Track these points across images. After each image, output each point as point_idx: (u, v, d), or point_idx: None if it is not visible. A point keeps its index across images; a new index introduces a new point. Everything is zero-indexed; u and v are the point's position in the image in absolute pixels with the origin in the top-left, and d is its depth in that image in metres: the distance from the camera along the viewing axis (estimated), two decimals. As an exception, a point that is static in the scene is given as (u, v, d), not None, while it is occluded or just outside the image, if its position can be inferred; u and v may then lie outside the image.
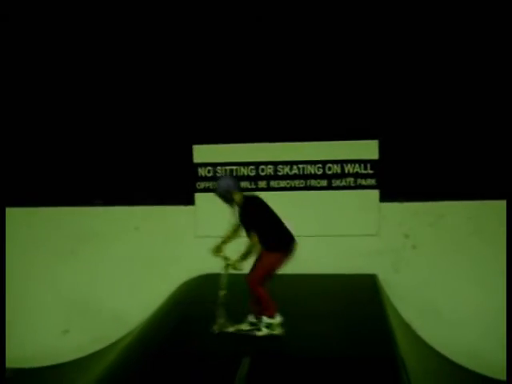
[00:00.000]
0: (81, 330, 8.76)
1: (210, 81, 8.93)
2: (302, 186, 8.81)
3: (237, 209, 5.58)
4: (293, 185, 8.84)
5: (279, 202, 5.94)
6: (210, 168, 8.93)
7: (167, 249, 8.90)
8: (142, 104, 9.11)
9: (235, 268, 5.50)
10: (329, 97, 8.75)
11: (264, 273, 5.46)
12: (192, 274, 8.42)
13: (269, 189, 8.77)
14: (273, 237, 5.50)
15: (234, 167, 8.94)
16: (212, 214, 8.13)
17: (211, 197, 6.02)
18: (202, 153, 8.97)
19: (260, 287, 5.47)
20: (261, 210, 5.56)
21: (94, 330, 8.59)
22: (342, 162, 8.72)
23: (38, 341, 8.77)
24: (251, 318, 5.67)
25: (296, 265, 5.82)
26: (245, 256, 5.51)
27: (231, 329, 5.67)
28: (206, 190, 8.82)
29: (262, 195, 5.91)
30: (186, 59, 8.98)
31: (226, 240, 5.67)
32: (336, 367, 5.05)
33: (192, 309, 7.01)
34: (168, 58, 9.02)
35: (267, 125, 8.79)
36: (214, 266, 5.86)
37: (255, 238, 5.39)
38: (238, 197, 5.57)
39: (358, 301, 7.12)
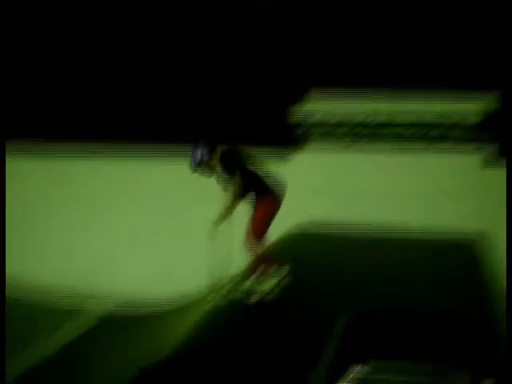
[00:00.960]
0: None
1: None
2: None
3: (220, 171, 5.14)
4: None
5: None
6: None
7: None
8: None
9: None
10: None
11: (263, 220, 5.07)
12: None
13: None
14: (259, 182, 5.11)
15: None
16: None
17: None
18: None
19: (260, 238, 5.11)
20: (242, 158, 5.16)
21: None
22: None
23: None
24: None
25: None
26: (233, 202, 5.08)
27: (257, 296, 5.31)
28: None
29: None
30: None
31: (225, 213, 5.12)
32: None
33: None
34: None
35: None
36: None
37: (238, 181, 4.96)
38: (214, 157, 5.10)
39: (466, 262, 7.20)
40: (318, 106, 9.28)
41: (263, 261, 5.19)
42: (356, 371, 3.80)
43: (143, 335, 6.14)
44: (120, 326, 6.82)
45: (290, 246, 7.71)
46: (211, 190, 5.39)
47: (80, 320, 6.82)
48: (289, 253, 6.70)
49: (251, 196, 5.10)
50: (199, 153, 5.07)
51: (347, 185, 9.32)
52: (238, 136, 7.33)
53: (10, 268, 6.37)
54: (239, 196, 5.06)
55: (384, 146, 9.13)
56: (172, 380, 4.36)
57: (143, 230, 9.20)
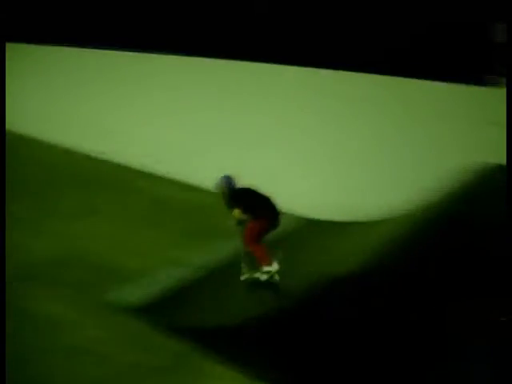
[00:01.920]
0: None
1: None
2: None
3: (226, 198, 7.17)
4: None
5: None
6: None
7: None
8: None
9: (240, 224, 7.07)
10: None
11: (253, 234, 6.93)
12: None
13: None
14: (253, 211, 6.97)
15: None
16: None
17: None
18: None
19: (253, 244, 6.91)
20: (247, 195, 7.11)
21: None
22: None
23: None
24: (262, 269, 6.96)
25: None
26: (240, 222, 7.07)
27: (247, 275, 7.03)
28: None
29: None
30: None
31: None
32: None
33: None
34: None
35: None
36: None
37: (237, 214, 6.97)
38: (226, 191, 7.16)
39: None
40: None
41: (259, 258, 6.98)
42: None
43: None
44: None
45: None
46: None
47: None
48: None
49: (248, 217, 6.99)
50: (224, 183, 7.17)
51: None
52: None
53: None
54: (239, 221, 7.08)
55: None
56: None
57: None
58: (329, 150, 9.22)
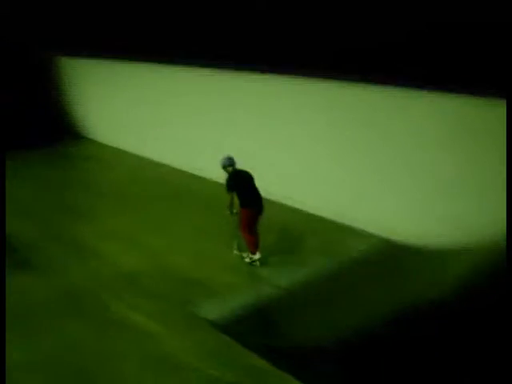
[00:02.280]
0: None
1: None
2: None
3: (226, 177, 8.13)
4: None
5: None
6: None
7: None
8: None
9: (231, 212, 8.14)
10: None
11: (243, 222, 8.08)
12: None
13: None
14: (243, 198, 8.00)
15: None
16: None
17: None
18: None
19: (245, 233, 8.16)
20: (240, 181, 8.05)
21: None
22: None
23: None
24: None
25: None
26: (230, 205, 8.08)
27: (237, 252, 8.46)
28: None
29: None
30: None
31: (231, 201, 8.08)
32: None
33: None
34: None
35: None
36: None
37: (231, 196, 8.03)
38: (229, 170, 8.12)
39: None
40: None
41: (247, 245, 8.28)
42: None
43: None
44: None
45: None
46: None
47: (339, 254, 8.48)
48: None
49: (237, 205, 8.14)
50: (224, 161, 8.14)
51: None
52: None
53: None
54: (231, 202, 8.09)
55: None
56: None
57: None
58: (414, 174, 8.81)
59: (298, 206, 10.26)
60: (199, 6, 11.11)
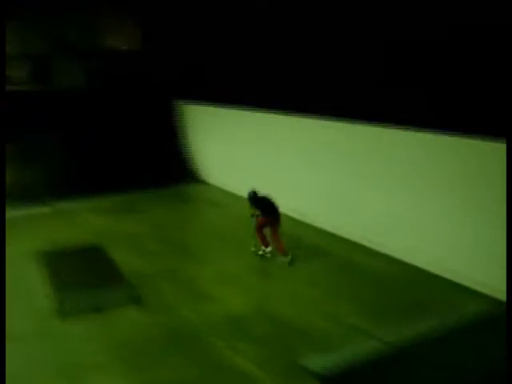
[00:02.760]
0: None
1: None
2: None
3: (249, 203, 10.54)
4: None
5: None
6: None
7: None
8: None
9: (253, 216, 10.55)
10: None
11: (258, 226, 10.42)
12: None
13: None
14: (262, 212, 10.36)
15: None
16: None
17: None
18: None
19: (257, 232, 10.43)
20: (261, 203, 10.37)
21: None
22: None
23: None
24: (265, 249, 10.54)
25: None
26: (252, 215, 10.54)
27: (255, 250, 10.55)
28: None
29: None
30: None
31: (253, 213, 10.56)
32: None
33: None
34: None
35: None
36: None
37: (254, 211, 10.51)
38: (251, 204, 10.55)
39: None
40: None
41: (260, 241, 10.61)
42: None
43: None
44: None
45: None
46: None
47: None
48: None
49: (259, 214, 10.51)
50: (251, 193, 10.46)
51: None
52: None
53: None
54: (252, 214, 10.62)
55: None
56: None
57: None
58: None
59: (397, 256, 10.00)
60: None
